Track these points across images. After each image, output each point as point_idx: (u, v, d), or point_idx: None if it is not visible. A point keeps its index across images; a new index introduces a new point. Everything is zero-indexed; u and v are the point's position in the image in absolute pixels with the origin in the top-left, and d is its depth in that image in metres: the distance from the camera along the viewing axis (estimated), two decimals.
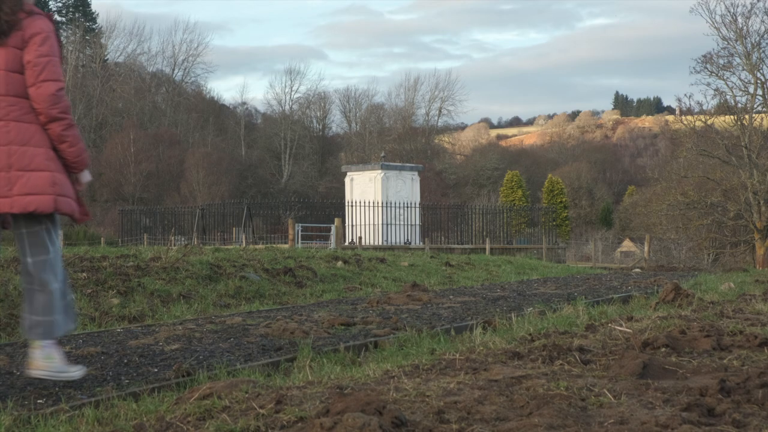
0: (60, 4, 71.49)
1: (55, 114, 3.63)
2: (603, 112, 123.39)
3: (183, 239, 27.60)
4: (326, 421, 2.27)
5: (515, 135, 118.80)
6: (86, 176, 3.82)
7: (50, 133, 3.66)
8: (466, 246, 26.22)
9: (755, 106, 33.00)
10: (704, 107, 34.03)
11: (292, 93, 66.19)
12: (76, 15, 69.03)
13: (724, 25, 32.56)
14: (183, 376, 3.56)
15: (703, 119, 33.36)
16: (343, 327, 5.09)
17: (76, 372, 3.62)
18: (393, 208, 27.62)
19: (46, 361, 3.58)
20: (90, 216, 3.86)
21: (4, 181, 3.57)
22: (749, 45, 32.38)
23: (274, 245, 17.85)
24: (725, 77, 32.95)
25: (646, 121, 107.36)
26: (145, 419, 2.74)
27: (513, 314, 5.35)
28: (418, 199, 29.75)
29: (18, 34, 3.62)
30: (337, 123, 69.08)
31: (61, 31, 69.99)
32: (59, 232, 3.76)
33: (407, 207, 28.26)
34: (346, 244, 24.91)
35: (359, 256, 10.55)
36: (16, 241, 3.69)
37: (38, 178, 3.60)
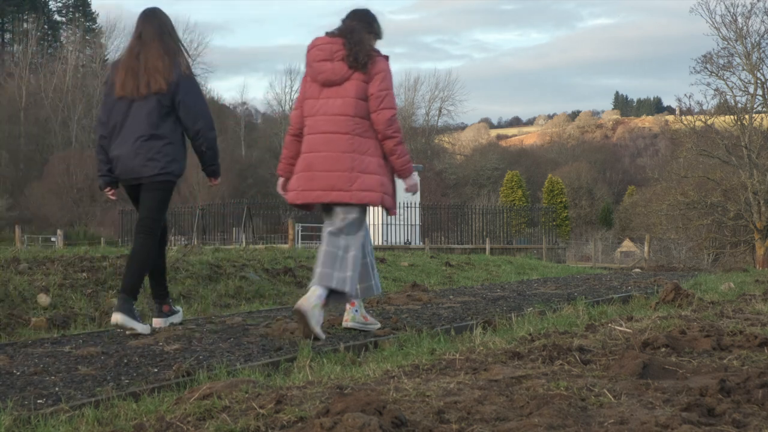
0: (60, 4, 71.48)
1: (389, 133, 4.76)
2: (603, 112, 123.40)
3: (183, 239, 27.61)
4: (326, 421, 2.27)
5: (515, 135, 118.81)
6: (411, 180, 4.93)
7: (384, 146, 4.78)
8: (466, 246, 26.23)
9: (755, 106, 33.01)
10: (704, 107, 34.10)
11: (293, 93, 66.17)
12: (76, 15, 69.02)
13: (724, 25, 32.60)
14: (183, 376, 3.56)
15: (703, 119, 33.37)
16: (343, 327, 5.09)
17: (376, 325, 5.01)
18: None
19: (355, 317, 4.98)
20: (396, 212, 5.05)
21: (346, 179, 4.70)
22: (749, 45, 32.40)
23: (274, 245, 17.84)
24: (725, 77, 33.00)
25: (646, 121, 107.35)
26: (145, 419, 2.74)
27: (513, 314, 5.35)
28: (418, 199, 29.74)
29: (367, 70, 4.75)
30: None
31: (61, 31, 70.01)
32: (365, 220, 4.89)
33: (407, 207, 28.26)
34: None
35: None
36: (332, 222, 4.80)
37: (371, 179, 4.72)
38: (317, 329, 4.55)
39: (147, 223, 5.05)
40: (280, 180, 5.05)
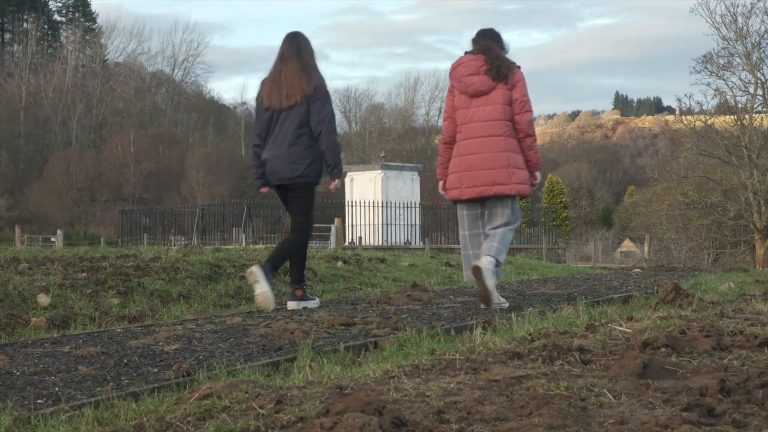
0: (60, 4, 71.47)
1: (530, 132, 5.70)
2: (603, 112, 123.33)
3: (183, 239, 27.60)
4: (326, 421, 2.27)
5: None
6: (538, 176, 5.83)
7: (524, 143, 5.70)
8: None
9: (755, 106, 33.02)
10: (704, 107, 34.10)
11: None
12: (76, 15, 69.02)
13: (724, 25, 32.61)
14: (183, 376, 3.56)
15: (703, 119, 33.37)
16: (343, 327, 5.09)
17: (506, 304, 5.81)
18: (393, 208, 27.62)
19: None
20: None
21: (505, 174, 5.61)
22: (749, 45, 32.40)
23: (274, 245, 17.81)
24: (725, 77, 33.01)
25: (646, 121, 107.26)
26: (145, 419, 2.74)
27: (513, 314, 5.35)
28: (418, 199, 29.75)
29: (508, 80, 5.68)
30: (337, 123, 69.12)
31: (61, 31, 69.99)
32: (517, 208, 5.86)
33: (407, 207, 28.25)
34: (346, 244, 24.92)
35: (359, 256, 10.55)
36: (488, 212, 5.79)
37: (522, 174, 5.67)
38: (491, 285, 5.54)
39: (299, 224, 6.16)
40: (441, 183, 6.05)
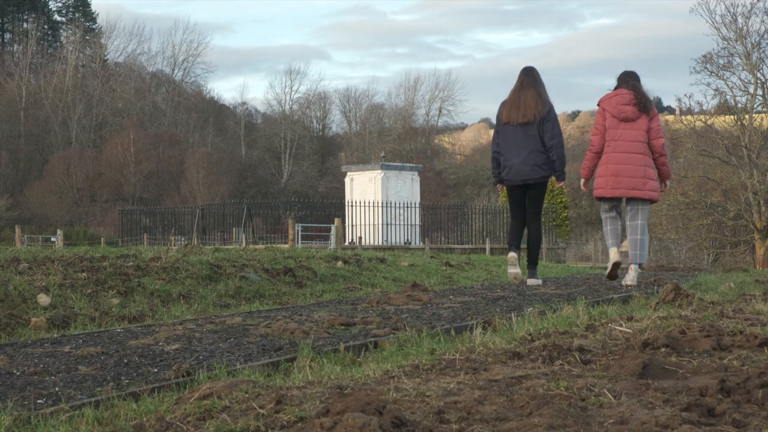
0: (60, 4, 71.48)
1: (663, 152, 7.63)
2: None
3: (183, 239, 27.61)
4: (326, 421, 2.27)
5: None
6: (668, 184, 7.94)
7: (658, 161, 7.62)
8: (466, 246, 26.23)
9: (755, 106, 32.99)
10: (704, 107, 34.04)
11: (292, 93, 66.06)
12: (76, 15, 69.01)
13: (724, 25, 32.58)
14: (183, 376, 3.56)
15: (703, 119, 33.35)
16: (343, 327, 5.09)
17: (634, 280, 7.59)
18: (393, 208, 27.61)
19: (635, 275, 7.54)
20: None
21: (642, 183, 7.46)
22: (749, 45, 32.38)
23: (274, 245, 17.83)
24: (725, 77, 32.97)
25: None
26: (145, 419, 2.74)
27: (513, 314, 5.35)
28: (418, 199, 29.73)
29: (649, 112, 7.52)
30: (337, 123, 68.94)
31: (61, 31, 70.00)
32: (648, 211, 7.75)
33: (407, 207, 28.23)
34: (346, 244, 24.92)
35: (359, 256, 10.55)
36: (629, 213, 7.65)
37: (654, 183, 7.56)
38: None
39: (535, 214, 7.99)
40: (583, 180, 7.89)
